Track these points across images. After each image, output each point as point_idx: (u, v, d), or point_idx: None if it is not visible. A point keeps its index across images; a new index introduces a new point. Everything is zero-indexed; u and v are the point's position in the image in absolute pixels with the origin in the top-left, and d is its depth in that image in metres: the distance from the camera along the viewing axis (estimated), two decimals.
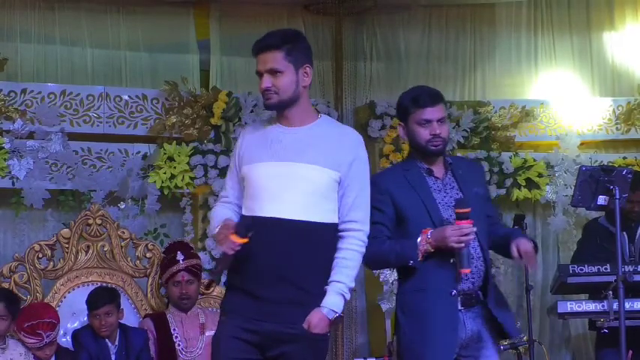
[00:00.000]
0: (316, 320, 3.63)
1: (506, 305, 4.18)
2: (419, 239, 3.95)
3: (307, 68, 3.73)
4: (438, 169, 4.12)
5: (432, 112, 4.06)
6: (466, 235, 3.89)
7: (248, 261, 3.64)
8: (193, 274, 5.86)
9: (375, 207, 4.02)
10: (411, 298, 4.04)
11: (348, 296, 3.70)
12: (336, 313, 3.67)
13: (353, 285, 3.72)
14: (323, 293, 3.67)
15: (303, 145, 3.70)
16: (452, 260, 3.96)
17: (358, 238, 3.75)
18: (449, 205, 4.04)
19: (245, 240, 3.59)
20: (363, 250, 3.76)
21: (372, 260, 4.10)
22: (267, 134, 3.75)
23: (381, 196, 4.05)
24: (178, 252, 5.90)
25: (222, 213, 3.78)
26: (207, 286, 5.97)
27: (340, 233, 3.73)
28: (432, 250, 3.94)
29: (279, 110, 3.75)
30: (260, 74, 3.70)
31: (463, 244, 3.89)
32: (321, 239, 3.69)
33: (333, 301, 3.66)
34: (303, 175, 3.67)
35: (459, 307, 3.99)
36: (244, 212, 3.72)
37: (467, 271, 3.92)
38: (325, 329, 3.66)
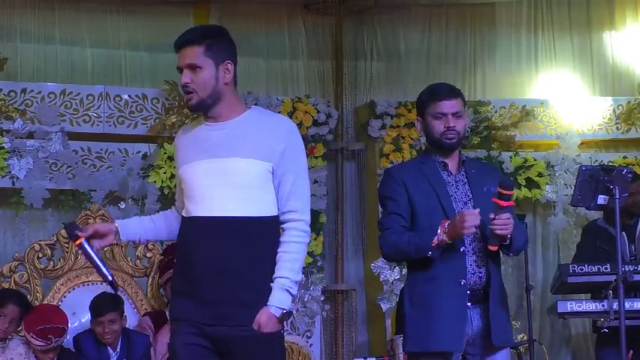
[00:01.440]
0: (265, 319, 3.56)
1: (504, 312, 4.15)
2: (438, 230, 3.97)
3: (229, 65, 3.71)
4: (453, 165, 4.18)
5: (447, 106, 4.12)
6: (474, 222, 3.91)
7: (189, 264, 3.60)
8: None
9: (389, 197, 4.12)
10: (420, 287, 4.07)
11: (294, 291, 3.62)
12: (283, 309, 3.59)
13: (299, 278, 3.64)
14: (267, 290, 3.59)
15: (230, 139, 3.64)
16: (462, 249, 4.01)
17: (299, 229, 3.65)
18: (459, 200, 4.09)
19: (77, 242, 3.60)
20: (307, 239, 3.68)
21: (391, 253, 4.15)
22: (196, 134, 3.72)
23: (396, 186, 4.12)
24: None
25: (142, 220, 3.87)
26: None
27: (282, 225, 3.66)
28: (449, 242, 3.96)
29: (204, 111, 3.71)
30: (180, 70, 3.68)
31: (471, 230, 3.93)
32: (261, 234, 3.61)
33: (279, 298, 3.58)
34: (233, 170, 3.60)
35: (467, 303, 4.01)
36: (184, 214, 3.70)
37: (494, 248, 3.99)
38: (275, 327, 3.59)
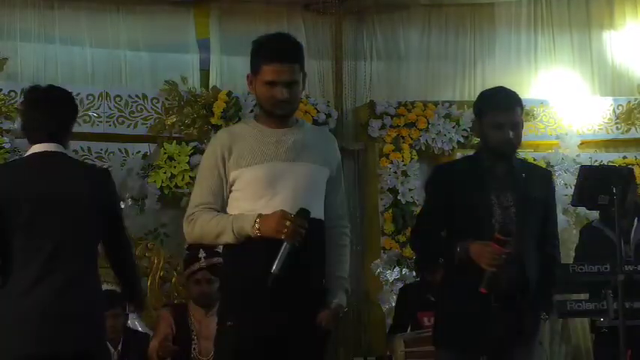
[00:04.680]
0: (329, 317, 3.68)
1: (539, 309, 4.19)
2: (458, 247, 3.97)
3: (305, 77, 3.79)
4: (502, 168, 4.12)
5: (507, 116, 4.06)
6: (497, 261, 3.90)
7: (257, 262, 3.60)
8: (214, 273, 5.73)
9: (430, 193, 4.18)
10: (452, 289, 4.10)
11: (349, 291, 3.82)
12: (345, 308, 3.75)
13: (349, 280, 3.84)
14: (323, 290, 3.72)
15: (300, 145, 3.73)
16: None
17: (347, 235, 3.87)
18: (501, 205, 4.06)
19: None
20: (349, 245, 3.88)
21: (416, 251, 4.47)
22: (261, 136, 3.73)
23: (439, 184, 4.14)
24: (201, 249, 5.79)
25: (229, 215, 3.71)
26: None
27: (330, 230, 3.78)
28: (465, 261, 3.96)
29: (283, 117, 3.74)
30: (274, 83, 3.67)
31: (493, 268, 3.91)
32: (321, 236, 3.73)
33: (341, 297, 3.74)
34: (307, 174, 3.70)
35: (493, 303, 3.99)
36: (237, 213, 3.71)
37: (485, 291, 3.94)
38: (335, 325, 3.72)
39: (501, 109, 4.06)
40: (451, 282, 4.11)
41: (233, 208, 3.70)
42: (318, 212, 3.70)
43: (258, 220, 3.59)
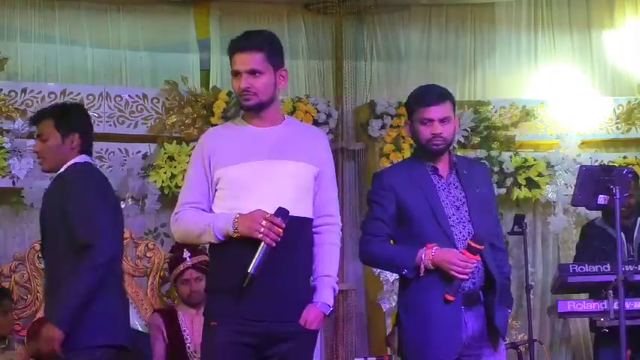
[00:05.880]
0: (313, 316, 3.67)
1: (504, 305, 4.16)
2: (422, 254, 3.95)
3: (284, 72, 3.78)
4: (443, 168, 4.11)
5: (434, 112, 4.03)
6: (470, 270, 3.90)
7: (241, 260, 3.60)
8: (202, 270, 5.76)
9: (377, 202, 4.10)
10: (414, 297, 4.03)
11: (337, 290, 3.78)
12: (330, 307, 3.73)
13: (337, 279, 3.81)
14: (310, 288, 3.72)
15: (283, 142, 3.74)
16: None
17: (337, 233, 3.84)
18: (452, 205, 4.04)
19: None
20: (340, 243, 3.85)
21: (369, 262, 4.25)
22: (244, 135, 3.76)
23: (385, 192, 4.08)
24: (184, 249, 5.83)
25: (210, 215, 3.73)
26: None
27: (319, 228, 3.78)
28: (432, 268, 3.94)
29: (256, 111, 3.76)
30: (238, 74, 3.72)
31: (465, 277, 3.92)
32: (307, 234, 3.74)
33: (327, 296, 3.72)
34: (290, 172, 3.70)
35: (461, 307, 3.98)
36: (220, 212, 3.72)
37: (452, 298, 3.93)
38: (320, 324, 3.71)
39: (429, 104, 4.04)
40: (412, 292, 4.03)
41: (217, 208, 3.72)
42: (303, 210, 3.70)
43: (236, 219, 3.60)
